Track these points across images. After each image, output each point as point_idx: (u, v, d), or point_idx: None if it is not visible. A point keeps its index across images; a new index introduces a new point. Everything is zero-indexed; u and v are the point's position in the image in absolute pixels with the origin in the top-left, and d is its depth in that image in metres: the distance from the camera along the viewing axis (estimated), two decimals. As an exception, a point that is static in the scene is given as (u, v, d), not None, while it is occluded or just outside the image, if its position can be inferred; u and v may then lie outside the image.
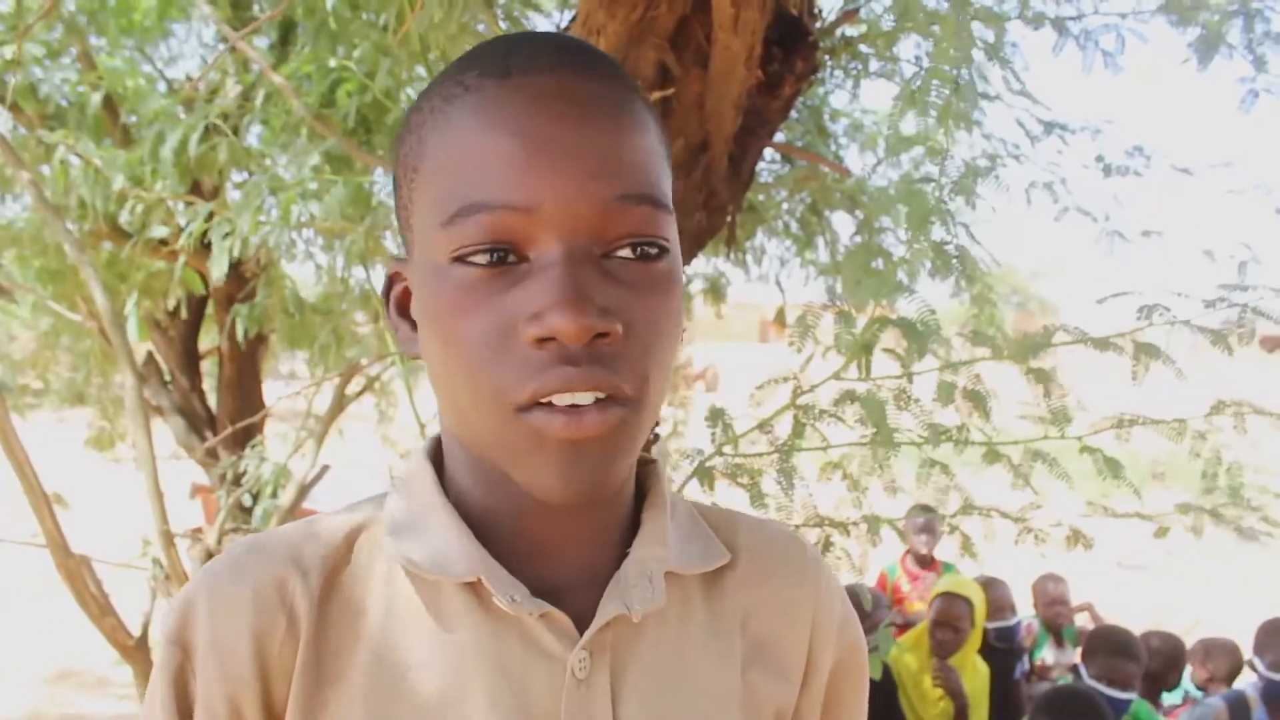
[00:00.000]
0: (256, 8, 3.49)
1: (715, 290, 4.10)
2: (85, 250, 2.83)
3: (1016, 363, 1.74)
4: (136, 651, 2.98)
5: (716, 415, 1.79)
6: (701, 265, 4.03)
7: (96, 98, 3.40)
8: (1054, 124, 2.40)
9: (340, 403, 3.66)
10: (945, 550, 3.87)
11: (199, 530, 3.76)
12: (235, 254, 2.15)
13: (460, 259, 0.53)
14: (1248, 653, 3.09)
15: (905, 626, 3.72)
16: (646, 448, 0.62)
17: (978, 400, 1.74)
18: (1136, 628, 3.37)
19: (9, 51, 2.52)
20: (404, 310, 0.62)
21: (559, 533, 0.60)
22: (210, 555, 3.26)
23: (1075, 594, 4.15)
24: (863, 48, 2.44)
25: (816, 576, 0.69)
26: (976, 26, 1.76)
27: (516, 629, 0.58)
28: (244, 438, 3.61)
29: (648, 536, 0.62)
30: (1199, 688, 3.40)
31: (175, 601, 0.59)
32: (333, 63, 2.73)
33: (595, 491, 0.54)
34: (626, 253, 0.54)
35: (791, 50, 1.89)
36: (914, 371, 1.76)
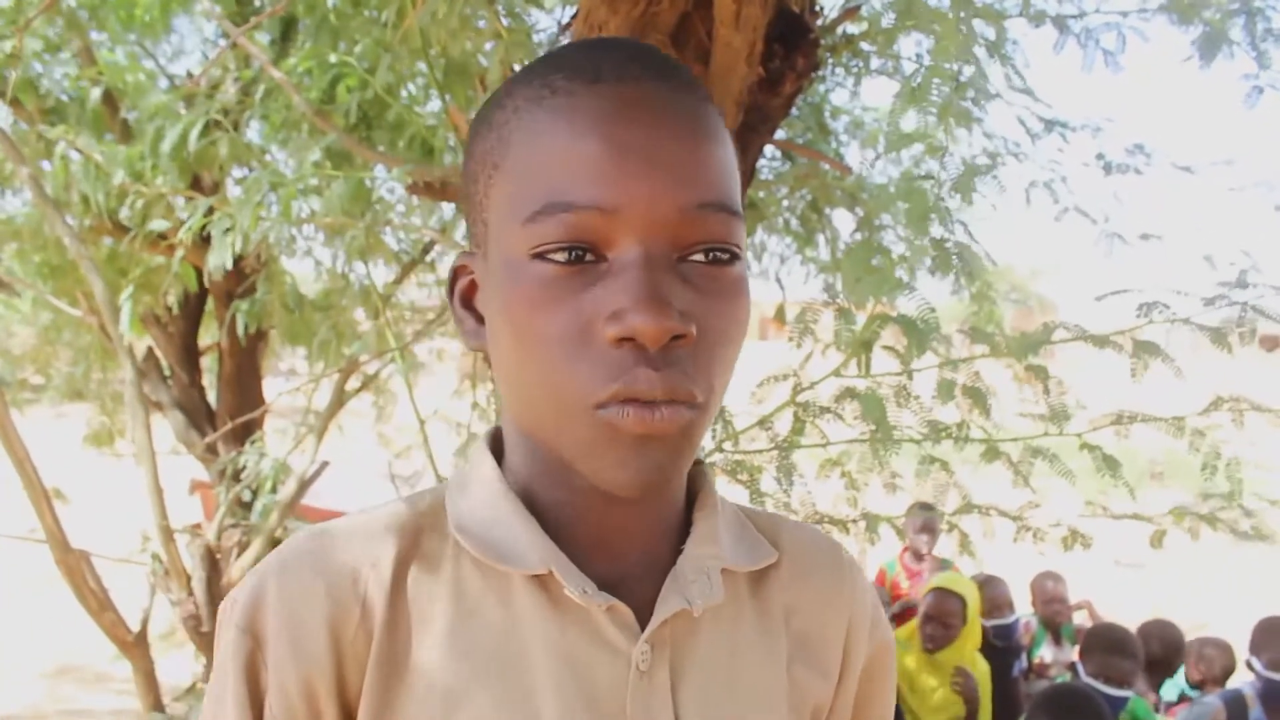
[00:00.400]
0: (258, 3, 3.49)
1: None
2: (85, 245, 2.83)
3: (1017, 360, 1.74)
4: (136, 647, 2.99)
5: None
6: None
7: (97, 93, 3.40)
8: (1055, 122, 2.39)
9: (340, 399, 3.66)
10: (944, 548, 3.87)
11: (198, 526, 3.76)
12: (236, 249, 2.14)
13: (539, 255, 0.54)
14: (1243, 651, 3.09)
15: (901, 617, 3.73)
16: None
17: (977, 397, 1.74)
18: (1134, 626, 3.37)
19: (9, 46, 2.52)
20: (468, 303, 0.63)
21: (619, 526, 0.61)
22: (210, 551, 3.26)
23: (1073, 592, 4.15)
24: (864, 45, 2.44)
25: (852, 578, 0.71)
26: (977, 24, 1.76)
27: (581, 621, 0.59)
28: (243, 433, 3.61)
29: (701, 535, 0.63)
30: (1193, 686, 3.39)
31: (241, 591, 0.59)
32: (334, 58, 2.73)
33: (662, 485, 0.55)
34: (700, 257, 0.55)
35: (793, 47, 1.89)
36: (914, 369, 1.77)
